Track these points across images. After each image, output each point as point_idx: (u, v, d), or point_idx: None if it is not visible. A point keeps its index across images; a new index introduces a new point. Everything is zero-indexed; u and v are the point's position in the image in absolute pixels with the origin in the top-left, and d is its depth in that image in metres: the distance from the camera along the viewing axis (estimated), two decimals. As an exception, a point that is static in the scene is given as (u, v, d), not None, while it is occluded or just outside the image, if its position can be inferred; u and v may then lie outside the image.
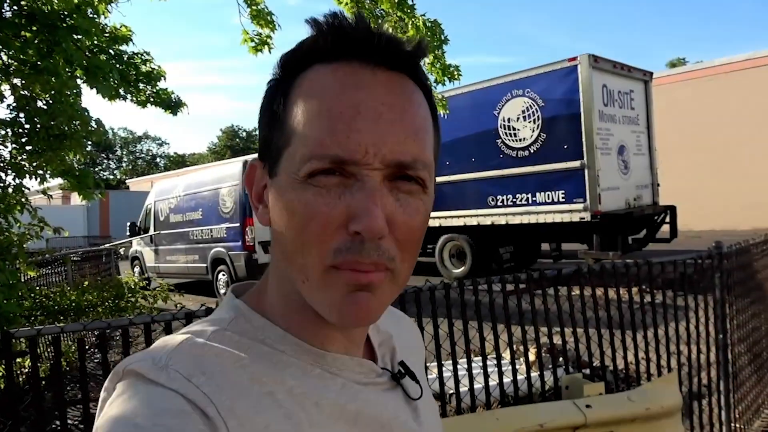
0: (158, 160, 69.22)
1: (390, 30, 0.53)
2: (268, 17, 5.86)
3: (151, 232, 13.20)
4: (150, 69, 6.18)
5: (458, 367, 3.25)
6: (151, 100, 6.30)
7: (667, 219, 10.39)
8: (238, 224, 10.35)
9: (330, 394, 0.55)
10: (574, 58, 9.33)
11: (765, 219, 14.61)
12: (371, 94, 0.51)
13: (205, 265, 11.31)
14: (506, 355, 3.87)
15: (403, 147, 0.51)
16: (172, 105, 6.47)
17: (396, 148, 0.50)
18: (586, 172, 9.14)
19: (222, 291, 10.88)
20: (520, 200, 10.09)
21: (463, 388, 3.20)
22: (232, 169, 10.89)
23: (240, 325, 0.57)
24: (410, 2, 5.93)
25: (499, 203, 10.42)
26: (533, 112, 9.87)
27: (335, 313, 0.52)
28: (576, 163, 9.26)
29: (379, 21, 6.73)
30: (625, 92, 10.13)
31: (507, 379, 3.27)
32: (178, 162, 64.82)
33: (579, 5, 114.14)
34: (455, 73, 6.40)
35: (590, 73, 9.15)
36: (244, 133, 66.14)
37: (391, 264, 0.52)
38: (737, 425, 3.72)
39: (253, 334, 0.56)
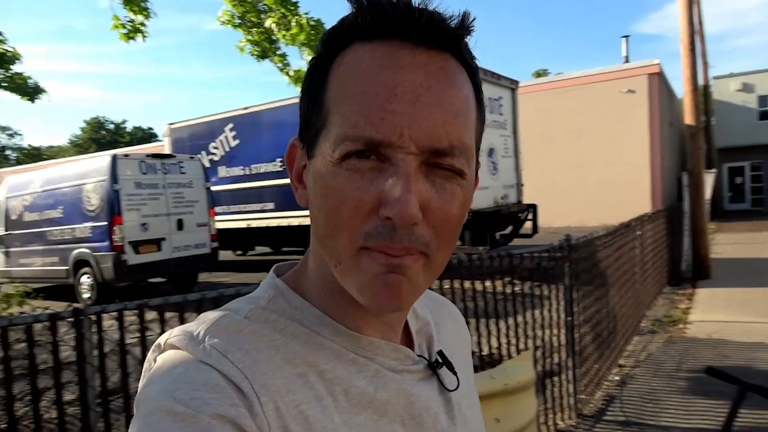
0: (8, 152, 61.99)
1: (433, 7, 0.50)
2: (142, 3, 5.58)
3: (1, 232, 11.88)
4: (3, 50, 5.60)
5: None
6: (4, 85, 5.72)
7: (530, 216, 11.34)
8: (105, 223, 9.64)
9: (361, 381, 0.55)
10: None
11: (612, 215, 16.45)
12: (409, 75, 0.49)
13: (65, 267, 10.39)
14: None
15: (441, 131, 0.49)
16: (29, 91, 5.92)
17: (433, 133, 0.49)
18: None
19: (86, 296, 10.07)
20: (400, 198, 10.45)
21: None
22: (98, 163, 10.09)
23: (278, 304, 0.58)
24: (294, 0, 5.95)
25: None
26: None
27: (366, 295, 0.51)
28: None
29: (262, 16, 6.67)
30: (494, 99, 10.88)
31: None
32: (34, 155, 58.51)
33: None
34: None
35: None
36: (112, 126, 61.33)
37: (425, 249, 0.50)
38: (582, 396, 4.24)
39: (291, 313, 0.57)
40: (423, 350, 0.64)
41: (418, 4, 0.50)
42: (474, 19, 0.52)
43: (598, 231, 4.96)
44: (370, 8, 0.50)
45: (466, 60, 0.53)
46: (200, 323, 0.54)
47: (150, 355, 0.54)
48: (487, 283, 3.71)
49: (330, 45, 0.54)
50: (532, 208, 11.33)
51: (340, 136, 0.49)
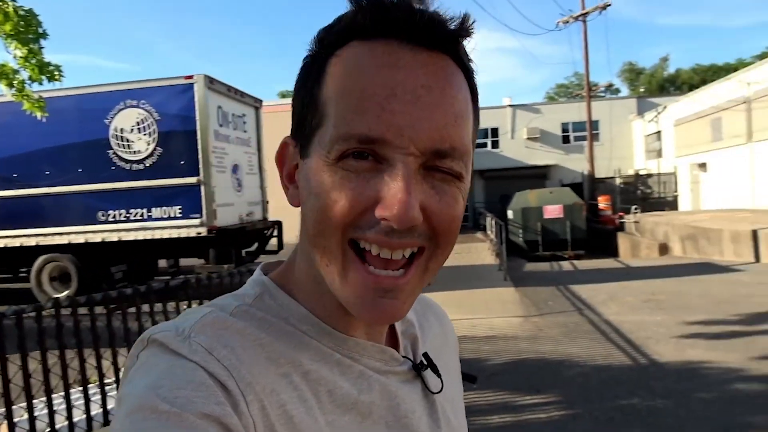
0: None
1: (434, 7, 0.49)
2: None
3: None
4: None
5: (56, 400, 2.93)
6: None
7: (275, 233, 11.57)
8: None
9: (345, 383, 0.54)
10: (191, 77, 9.51)
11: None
12: (409, 75, 0.48)
13: None
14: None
15: (442, 133, 0.48)
16: None
17: (434, 135, 0.48)
18: (202, 188, 9.39)
19: None
20: (135, 215, 9.63)
21: (63, 423, 2.91)
22: None
23: (264, 301, 0.56)
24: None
25: (110, 219, 9.69)
26: (149, 124, 9.60)
27: (356, 312, 0.51)
28: (192, 179, 9.42)
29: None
30: (238, 115, 10.85)
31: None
32: None
33: (202, 25, 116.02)
34: (56, 72, 5.75)
35: (206, 93, 9.47)
36: None
37: (427, 242, 0.50)
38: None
39: (277, 311, 0.55)
40: (408, 352, 0.64)
41: (419, 5, 0.49)
42: (474, 22, 0.51)
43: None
44: (370, 7, 0.49)
45: (464, 62, 0.52)
46: (186, 319, 0.52)
47: (133, 350, 0.52)
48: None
49: (326, 43, 0.52)
50: (278, 224, 11.58)
51: (335, 136, 0.48)
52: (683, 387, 4.91)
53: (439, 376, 0.63)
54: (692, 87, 33.46)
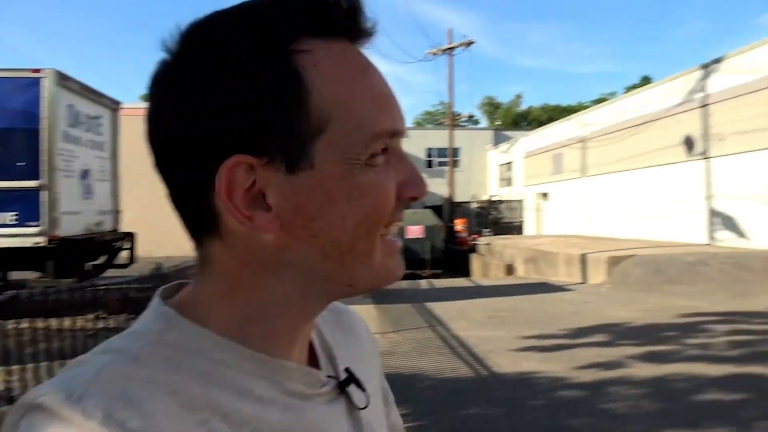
0: None
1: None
2: None
3: None
4: None
5: None
6: None
7: (127, 245, 10.82)
8: None
9: (272, 416, 0.48)
10: (39, 70, 8.65)
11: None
12: (378, 73, 0.52)
13: None
14: None
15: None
16: None
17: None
18: (44, 193, 8.54)
19: None
20: (-42, 220, 8.48)
21: None
22: None
23: (171, 335, 0.47)
24: None
25: (-76, 223, 8.43)
26: (-17, 119, 8.56)
27: (388, 278, 0.53)
28: (33, 183, 8.51)
29: None
30: (92, 117, 10.07)
31: None
32: None
33: (55, 16, 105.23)
34: None
35: (56, 90, 8.66)
36: None
37: None
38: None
39: (187, 346, 0.47)
40: (328, 367, 0.59)
41: (360, 5, 0.50)
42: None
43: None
44: (323, 7, 0.48)
45: None
46: (77, 374, 0.43)
47: (10, 416, 0.42)
48: (74, 320, 3.42)
49: (267, 39, 0.46)
50: (130, 236, 10.85)
51: (370, 136, 0.48)
52: (517, 395, 5.43)
53: (363, 390, 0.59)
54: (541, 123, 37.18)
